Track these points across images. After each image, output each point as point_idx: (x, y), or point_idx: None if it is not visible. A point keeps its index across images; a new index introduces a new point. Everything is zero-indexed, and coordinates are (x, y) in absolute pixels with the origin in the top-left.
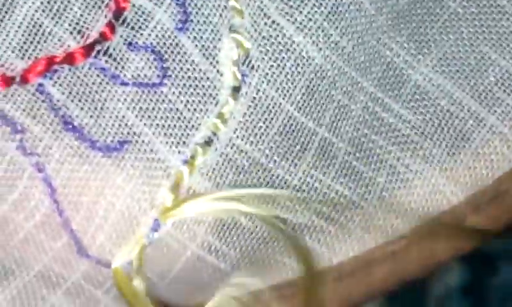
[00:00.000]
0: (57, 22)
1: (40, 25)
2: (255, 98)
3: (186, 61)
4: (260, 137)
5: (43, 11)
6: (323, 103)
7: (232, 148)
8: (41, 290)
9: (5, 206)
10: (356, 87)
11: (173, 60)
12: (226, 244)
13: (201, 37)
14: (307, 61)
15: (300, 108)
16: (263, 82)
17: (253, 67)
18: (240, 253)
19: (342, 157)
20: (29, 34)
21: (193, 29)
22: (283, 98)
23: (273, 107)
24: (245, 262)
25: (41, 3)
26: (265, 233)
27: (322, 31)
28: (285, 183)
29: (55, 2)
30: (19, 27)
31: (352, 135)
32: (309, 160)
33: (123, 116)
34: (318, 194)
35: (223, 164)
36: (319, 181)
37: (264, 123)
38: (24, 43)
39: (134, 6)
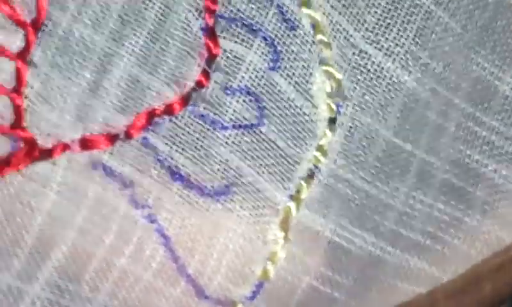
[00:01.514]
0: (153, 75)
1: (138, 80)
2: (351, 127)
3: (281, 98)
4: (361, 165)
5: (140, 66)
6: (419, 125)
7: (334, 178)
8: None
9: (123, 260)
10: (449, 106)
11: (269, 99)
12: (339, 272)
13: (293, 73)
14: (399, 85)
15: (396, 132)
16: (357, 110)
17: (346, 97)
18: (353, 280)
19: (441, 175)
20: (128, 90)
21: (285, 67)
22: (379, 124)
23: (370, 134)
24: (359, 289)
25: (137, 59)
26: (375, 258)
27: (411, 54)
28: (389, 207)
29: (149, 56)
30: (118, 84)
31: (449, 152)
32: (410, 182)
33: (227, 159)
34: (421, 214)
35: (327, 195)
36: (421, 201)
37: (363, 150)
38: (124, 99)
39: (225, 51)
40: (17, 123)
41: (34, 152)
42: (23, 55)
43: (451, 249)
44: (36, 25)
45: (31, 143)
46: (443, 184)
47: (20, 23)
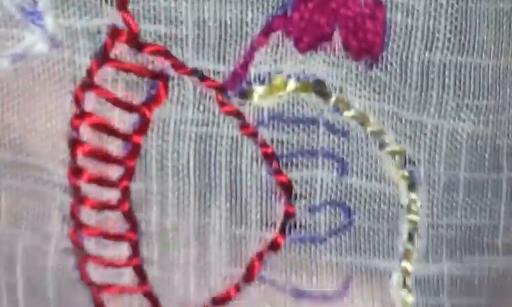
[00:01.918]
0: (247, 226)
1: (235, 235)
2: (429, 182)
3: (360, 193)
4: (452, 206)
5: (231, 226)
6: (493, 154)
7: (433, 228)
8: None
9: None
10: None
11: (350, 199)
12: (471, 296)
13: (362, 169)
14: (457, 133)
15: (473, 169)
16: (428, 167)
17: (414, 162)
18: (489, 296)
19: None
20: (232, 248)
21: (352, 168)
22: (454, 170)
23: (449, 180)
24: (498, 300)
25: (226, 221)
26: (501, 272)
27: (458, 107)
28: (494, 227)
29: (236, 213)
30: (220, 247)
31: None
32: (504, 200)
33: (336, 263)
34: None
35: (432, 244)
36: None
37: (448, 194)
38: (232, 256)
39: (296, 181)
40: None
41: None
42: (134, 256)
43: None
44: (133, 230)
45: None
46: None
47: (119, 237)
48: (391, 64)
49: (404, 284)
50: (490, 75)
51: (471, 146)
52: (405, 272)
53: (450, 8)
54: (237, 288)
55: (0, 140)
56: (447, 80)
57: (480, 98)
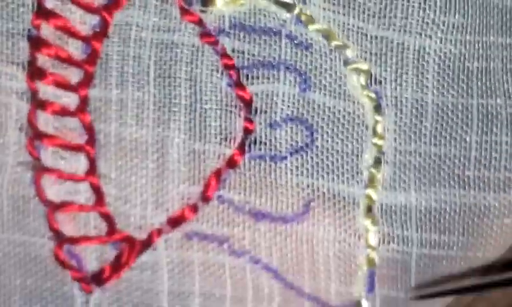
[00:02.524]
0: (205, 142)
1: (194, 151)
2: (396, 105)
3: (323, 110)
4: (420, 133)
5: (190, 139)
6: (464, 77)
7: (400, 154)
8: None
9: (250, 305)
10: (486, 47)
11: (312, 116)
12: (443, 233)
13: (325, 85)
14: (425, 52)
15: (442, 92)
16: (396, 89)
17: (380, 82)
18: (461, 234)
19: (505, 111)
20: (190, 163)
21: (315, 83)
22: (422, 93)
23: (417, 104)
24: (470, 240)
25: (185, 134)
26: (472, 207)
27: (423, 21)
28: (465, 158)
29: (195, 127)
30: (179, 162)
31: (506, 87)
32: (476, 129)
33: (297, 183)
34: (501, 152)
35: (400, 171)
36: (496, 142)
37: (417, 120)
38: (189, 171)
39: (256, 94)
40: (111, 229)
41: (136, 246)
42: (91, 172)
43: None
44: (91, 143)
45: (129, 240)
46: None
47: (77, 148)
48: None
49: (369, 213)
50: None
51: (439, 66)
52: (369, 199)
53: None
54: (194, 208)
55: None
56: None
57: (447, 14)
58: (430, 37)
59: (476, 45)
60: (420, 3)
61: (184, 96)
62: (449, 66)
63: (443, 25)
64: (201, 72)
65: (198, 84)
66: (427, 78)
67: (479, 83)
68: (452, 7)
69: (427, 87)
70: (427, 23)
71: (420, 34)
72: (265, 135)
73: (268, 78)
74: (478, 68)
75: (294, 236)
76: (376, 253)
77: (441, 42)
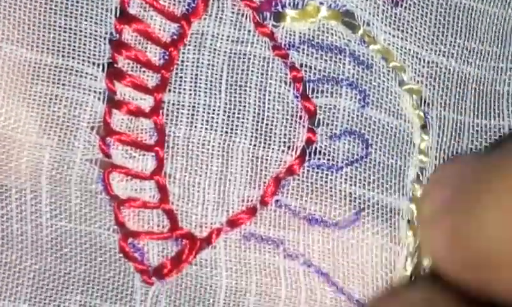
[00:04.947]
0: (269, 148)
1: (257, 157)
2: (439, 126)
3: (378, 126)
4: (457, 152)
5: (255, 146)
6: (493, 100)
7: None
8: None
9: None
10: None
11: (369, 131)
12: None
13: (381, 103)
14: (465, 76)
15: (476, 115)
16: (441, 110)
17: (429, 104)
18: None
19: None
20: (252, 168)
21: (373, 101)
22: (461, 115)
23: (456, 125)
24: None
25: (251, 141)
26: None
27: (466, 49)
28: None
29: (261, 135)
30: (242, 166)
31: None
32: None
33: (350, 192)
34: None
35: None
36: None
37: (455, 139)
38: (251, 176)
39: (320, 107)
40: (174, 226)
41: (196, 244)
42: (158, 172)
43: None
44: (161, 144)
45: (190, 238)
46: None
47: (147, 149)
48: (414, 3)
49: (410, 226)
50: (496, 24)
51: (475, 90)
52: (412, 212)
53: None
54: (253, 211)
55: (44, 42)
56: (459, 23)
57: (484, 43)
58: (470, 64)
59: (507, 71)
60: (465, 33)
61: (253, 104)
62: (483, 90)
63: (481, 53)
64: (271, 83)
65: (266, 93)
66: (465, 101)
67: (509, 106)
68: (489, 38)
69: (465, 109)
70: (470, 51)
71: (463, 61)
72: (325, 146)
73: (332, 93)
74: (508, 91)
75: (345, 243)
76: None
77: (478, 69)
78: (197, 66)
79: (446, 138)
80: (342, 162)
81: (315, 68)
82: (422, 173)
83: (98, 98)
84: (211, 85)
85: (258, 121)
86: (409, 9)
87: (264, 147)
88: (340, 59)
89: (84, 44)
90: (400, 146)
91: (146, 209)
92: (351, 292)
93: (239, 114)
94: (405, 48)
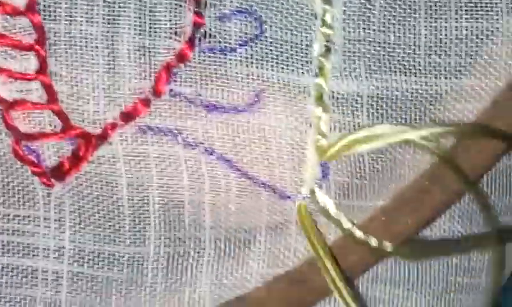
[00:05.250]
0: (155, 37)
1: (144, 46)
2: None
3: (272, 1)
4: (369, 21)
5: (140, 34)
6: None
7: (348, 42)
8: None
9: (208, 197)
10: None
11: (261, 8)
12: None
13: None
14: None
15: None
16: None
17: None
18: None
19: None
20: (140, 58)
21: None
22: None
23: None
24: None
25: (135, 30)
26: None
27: None
28: (415, 44)
29: (145, 23)
30: (129, 57)
31: None
32: (423, 14)
33: (247, 74)
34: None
35: (349, 58)
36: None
37: (365, 8)
38: (140, 66)
39: None
40: (67, 126)
41: (91, 141)
42: (42, 71)
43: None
44: (41, 42)
45: (85, 136)
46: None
47: (27, 48)
48: None
49: (320, 101)
50: None
51: None
52: (320, 88)
53: None
54: (146, 102)
55: None
56: None
57: None
58: None
59: None
60: None
61: None
62: None
63: None
64: None
65: None
66: None
67: None
68: None
69: None
70: None
71: None
72: (215, 28)
73: None
74: None
75: (246, 126)
76: (326, 140)
77: None
78: None
79: (354, 6)
80: (236, 43)
81: None
82: (328, 46)
83: None
84: None
85: (140, 9)
86: None
87: (150, 35)
88: None
89: None
90: (299, 20)
91: (36, 110)
92: (257, 176)
93: (120, 2)
94: None
